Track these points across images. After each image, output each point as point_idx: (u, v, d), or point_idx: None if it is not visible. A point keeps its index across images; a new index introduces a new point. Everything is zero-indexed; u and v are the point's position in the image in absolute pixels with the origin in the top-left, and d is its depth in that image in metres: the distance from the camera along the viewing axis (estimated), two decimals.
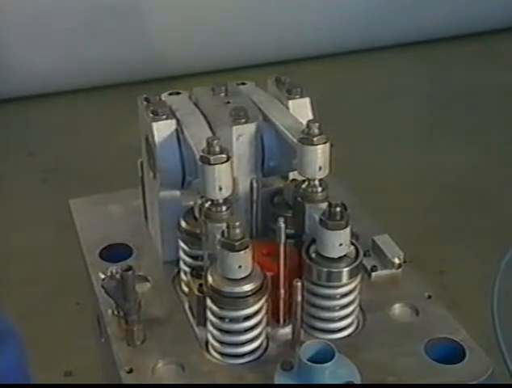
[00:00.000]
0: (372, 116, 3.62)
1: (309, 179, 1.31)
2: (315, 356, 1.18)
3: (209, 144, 1.24)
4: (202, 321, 1.31)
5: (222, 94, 1.46)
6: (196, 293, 1.30)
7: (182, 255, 1.41)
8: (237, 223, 1.19)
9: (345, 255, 1.27)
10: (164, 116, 1.38)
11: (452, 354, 1.28)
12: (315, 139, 1.26)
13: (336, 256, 1.26)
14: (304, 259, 1.28)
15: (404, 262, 1.45)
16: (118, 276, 1.27)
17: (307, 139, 1.27)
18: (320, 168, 1.28)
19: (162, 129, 1.38)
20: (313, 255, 1.28)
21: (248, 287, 1.22)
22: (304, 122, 1.30)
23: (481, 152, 3.34)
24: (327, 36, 4.08)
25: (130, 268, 1.26)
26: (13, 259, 2.87)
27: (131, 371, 1.26)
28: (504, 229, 2.75)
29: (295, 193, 1.33)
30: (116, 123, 3.47)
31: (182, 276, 1.42)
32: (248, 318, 1.24)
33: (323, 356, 1.17)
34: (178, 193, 1.42)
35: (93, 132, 3.45)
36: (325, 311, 1.31)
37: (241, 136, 1.37)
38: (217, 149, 1.24)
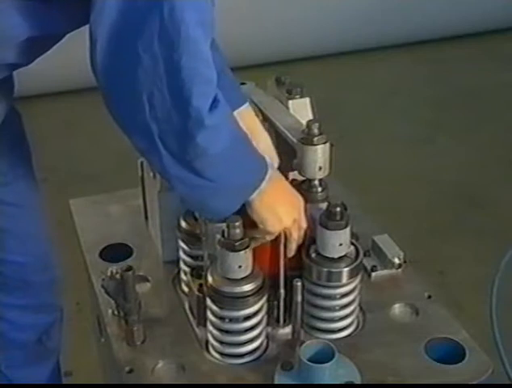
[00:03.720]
0: (372, 116, 3.61)
1: (309, 179, 1.31)
2: (315, 356, 1.18)
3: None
4: (202, 321, 1.31)
5: None
6: (196, 293, 1.30)
7: (182, 255, 1.41)
8: (237, 223, 1.19)
9: (345, 255, 1.27)
10: None
11: (452, 354, 1.28)
12: (315, 139, 1.26)
13: (336, 256, 1.26)
14: (304, 259, 1.28)
15: (405, 262, 1.45)
16: (118, 276, 1.27)
17: (307, 139, 1.27)
18: (320, 168, 1.29)
19: None
20: (313, 255, 1.28)
21: (248, 287, 1.22)
22: (304, 122, 1.30)
23: (481, 152, 3.34)
24: (327, 36, 4.07)
25: (130, 268, 1.26)
26: None
27: (131, 371, 1.26)
28: (504, 229, 2.75)
29: None
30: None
31: (182, 276, 1.42)
32: (248, 318, 1.24)
33: (323, 356, 1.17)
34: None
35: (93, 132, 3.44)
36: (325, 311, 1.31)
37: None
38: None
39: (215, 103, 1.10)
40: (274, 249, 1.28)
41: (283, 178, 1.30)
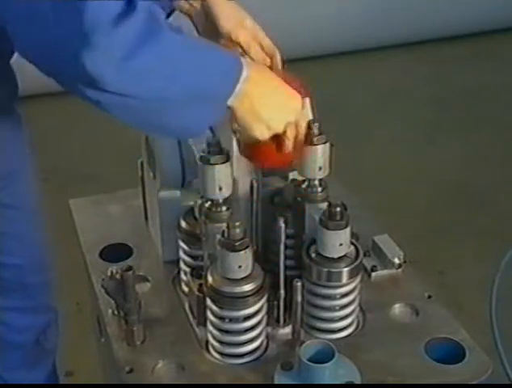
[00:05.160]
0: (372, 116, 3.62)
1: (309, 179, 1.31)
2: (315, 356, 1.18)
3: (209, 144, 1.25)
4: (202, 321, 1.31)
5: None
6: (196, 293, 1.30)
7: (182, 255, 1.41)
8: (237, 223, 1.19)
9: (345, 255, 1.27)
10: None
11: (452, 354, 1.28)
12: (315, 139, 1.26)
13: (336, 256, 1.26)
14: (304, 259, 1.28)
15: (405, 262, 1.45)
16: (118, 276, 1.27)
17: (307, 139, 1.27)
18: (320, 168, 1.28)
19: None
20: (313, 255, 1.28)
21: (248, 287, 1.22)
22: None
23: (481, 152, 3.34)
24: (327, 36, 4.08)
25: (130, 268, 1.26)
26: None
27: (131, 371, 1.26)
28: (504, 229, 2.75)
29: (295, 193, 1.33)
30: (116, 123, 3.44)
31: (182, 276, 1.42)
32: (248, 318, 1.24)
33: (323, 356, 1.17)
34: (178, 193, 1.42)
35: (93, 132, 3.44)
36: (325, 311, 1.31)
37: None
38: (217, 149, 1.25)
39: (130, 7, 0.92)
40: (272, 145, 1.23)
41: (273, 76, 1.16)
